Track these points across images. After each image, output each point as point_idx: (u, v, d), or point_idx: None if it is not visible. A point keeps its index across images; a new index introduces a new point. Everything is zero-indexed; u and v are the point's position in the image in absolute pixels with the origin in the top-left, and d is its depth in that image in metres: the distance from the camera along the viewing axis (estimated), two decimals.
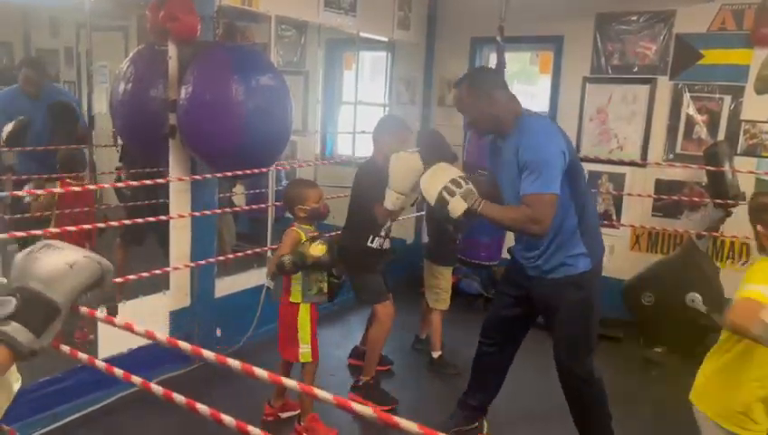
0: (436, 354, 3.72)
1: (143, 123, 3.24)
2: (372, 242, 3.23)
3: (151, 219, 3.15)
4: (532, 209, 2.27)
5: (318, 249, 2.65)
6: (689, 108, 4.28)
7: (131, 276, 2.85)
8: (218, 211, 3.68)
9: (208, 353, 0.97)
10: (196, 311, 3.49)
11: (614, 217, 4.60)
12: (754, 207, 1.97)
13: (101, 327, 2.98)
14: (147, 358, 2.92)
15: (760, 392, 1.85)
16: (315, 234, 2.79)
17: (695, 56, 4.22)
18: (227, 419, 0.94)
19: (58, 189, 3.31)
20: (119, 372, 1.06)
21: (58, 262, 0.93)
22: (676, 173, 4.32)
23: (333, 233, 3.33)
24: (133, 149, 3.89)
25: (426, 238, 4.28)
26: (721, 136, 4.16)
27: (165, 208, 3.40)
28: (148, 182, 3.09)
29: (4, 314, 0.86)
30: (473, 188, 2.41)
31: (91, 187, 3.61)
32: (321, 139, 5.73)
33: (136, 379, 1.05)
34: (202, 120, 2.94)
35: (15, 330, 0.86)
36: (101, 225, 3.18)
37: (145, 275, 2.92)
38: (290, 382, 0.99)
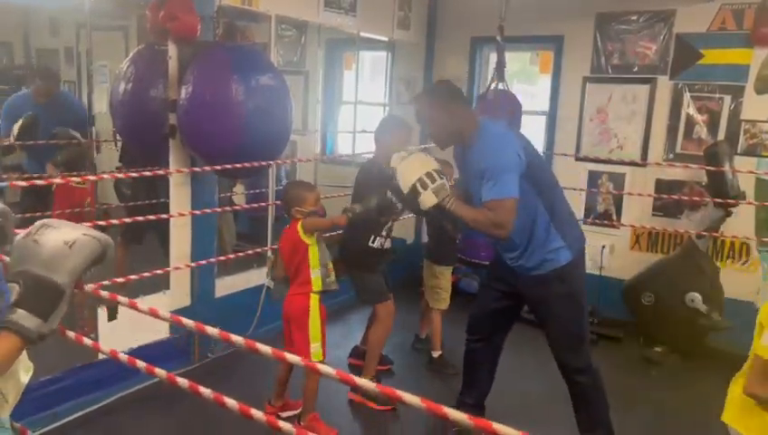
0: (436, 354, 3.73)
1: (143, 123, 3.25)
2: (373, 242, 3.23)
3: (152, 217, 3.14)
4: (494, 214, 2.38)
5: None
6: (689, 108, 4.27)
7: (132, 276, 2.85)
8: (218, 210, 3.68)
9: (237, 338, 1.02)
10: (196, 311, 3.48)
11: (614, 217, 4.59)
12: None
13: (101, 327, 2.98)
14: (146, 358, 2.89)
15: None
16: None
17: (695, 56, 4.21)
18: (243, 408, 0.99)
19: (58, 180, 3.29)
20: (141, 364, 1.07)
21: (57, 242, 0.92)
22: (677, 173, 4.31)
23: (333, 233, 3.34)
24: (133, 149, 3.89)
25: (426, 238, 4.29)
26: (721, 136, 4.15)
27: (165, 208, 3.39)
28: (147, 173, 3.08)
29: (9, 301, 0.87)
30: (446, 184, 2.51)
31: (91, 177, 3.64)
32: (322, 138, 5.73)
33: (160, 372, 1.06)
34: (202, 120, 2.94)
35: (22, 317, 0.87)
36: (101, 223, 3.18)
37: (145, 274, 2.92)
38: (293, 358, 1.04)
